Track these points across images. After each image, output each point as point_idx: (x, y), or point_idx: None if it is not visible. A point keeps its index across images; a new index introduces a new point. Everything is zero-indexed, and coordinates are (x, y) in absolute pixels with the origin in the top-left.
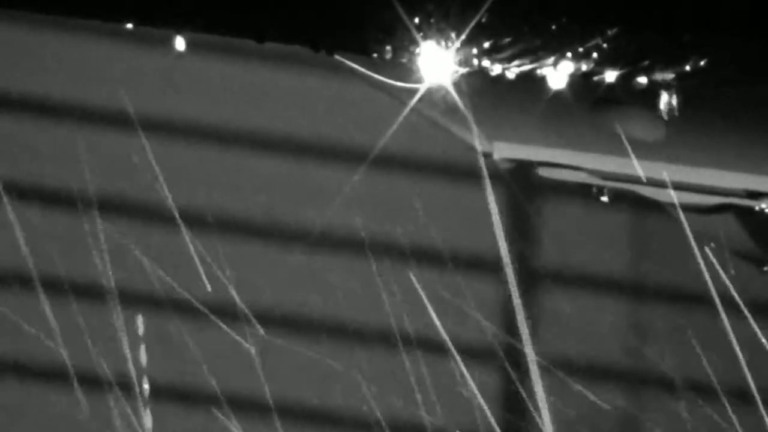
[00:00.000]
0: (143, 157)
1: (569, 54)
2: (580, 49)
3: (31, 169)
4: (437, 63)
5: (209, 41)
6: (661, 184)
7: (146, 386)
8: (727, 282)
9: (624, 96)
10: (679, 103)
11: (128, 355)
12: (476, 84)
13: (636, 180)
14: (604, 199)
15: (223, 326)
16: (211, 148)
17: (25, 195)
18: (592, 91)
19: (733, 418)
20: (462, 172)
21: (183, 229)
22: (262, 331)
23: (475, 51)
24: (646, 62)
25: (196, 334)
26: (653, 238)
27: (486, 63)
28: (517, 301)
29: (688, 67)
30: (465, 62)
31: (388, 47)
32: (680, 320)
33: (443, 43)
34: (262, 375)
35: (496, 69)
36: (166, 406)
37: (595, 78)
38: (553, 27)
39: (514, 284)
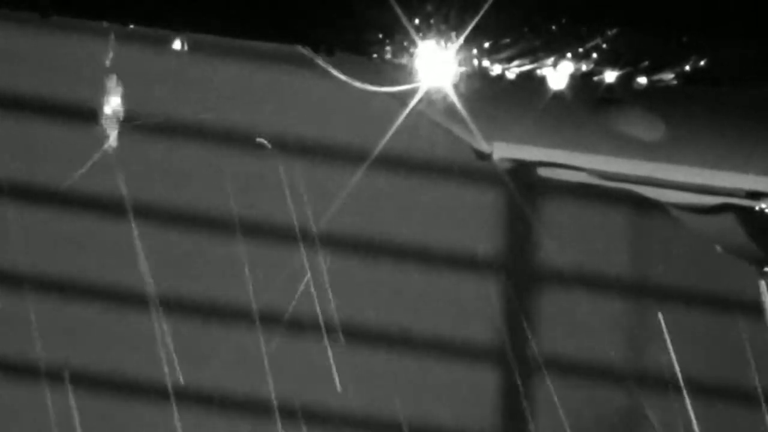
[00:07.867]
0: (140, 158)
1: (569, 54)
2: (580, 50)
3: (29, 168)
4: (437, 63)
5: (209, 41)
6: (661, 184)
7: None
8: (727, 282)
9: (624, 96)
10: (678, 102)
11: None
12: (476, 84)
13: (636, 180)
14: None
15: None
16: (210, 148)
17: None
18: (592, 91)
19: (735, 417)
20: (462, 172)
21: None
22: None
23: (475, 51)
24: (646, 62)
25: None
26: (653, 238)
27: (486, 63)
28: (516, 301)
29: (688, 67)
30: (465, 62)
31: (388, 48)
32: (680, 320)
33: (443, 43)
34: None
35: (496, 69)
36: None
37: (595, 78)
38: (553, 27)
39: (513, 284)
